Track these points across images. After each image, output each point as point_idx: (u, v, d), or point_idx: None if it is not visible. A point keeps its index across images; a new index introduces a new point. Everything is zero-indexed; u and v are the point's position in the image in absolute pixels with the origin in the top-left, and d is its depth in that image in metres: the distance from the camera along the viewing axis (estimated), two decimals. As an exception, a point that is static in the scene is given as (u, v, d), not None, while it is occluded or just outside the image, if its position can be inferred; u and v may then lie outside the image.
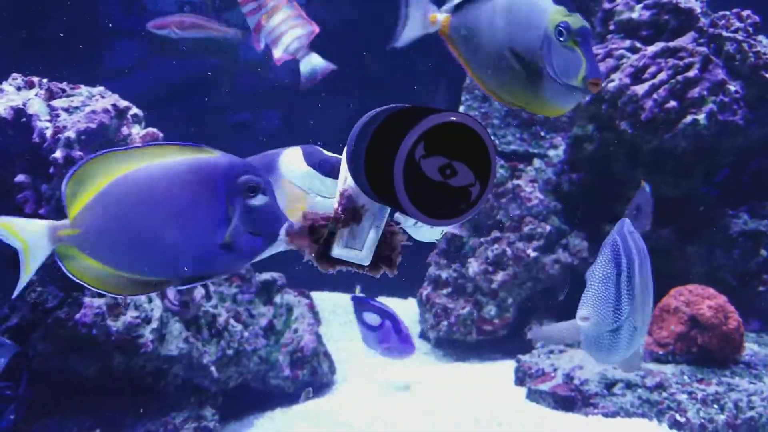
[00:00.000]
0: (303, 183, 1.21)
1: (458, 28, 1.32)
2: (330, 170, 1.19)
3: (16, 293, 1.05)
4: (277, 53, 1.93)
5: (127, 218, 1.02)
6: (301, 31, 1.95)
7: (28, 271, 1.02)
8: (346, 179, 0.76)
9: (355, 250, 0.75)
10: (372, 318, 2.62)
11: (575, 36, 1.17)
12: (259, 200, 1.03)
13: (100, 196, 1.02)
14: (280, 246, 1.11)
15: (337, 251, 0.75)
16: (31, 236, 1.01)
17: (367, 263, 0.76)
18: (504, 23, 1.24)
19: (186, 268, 1.04)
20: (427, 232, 1.22)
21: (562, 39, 1.17)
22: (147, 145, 1.04)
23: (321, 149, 1.22)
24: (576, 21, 1.18)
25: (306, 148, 1.23)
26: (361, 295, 2.81)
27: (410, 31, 1.35)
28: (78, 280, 1.03)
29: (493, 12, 1.26)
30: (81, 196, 1.02)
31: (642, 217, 2.37)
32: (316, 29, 1.96)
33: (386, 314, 2.62)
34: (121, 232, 1.02)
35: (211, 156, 1.03)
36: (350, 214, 0.74)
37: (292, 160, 1.21)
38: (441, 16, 1.33)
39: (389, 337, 2.58)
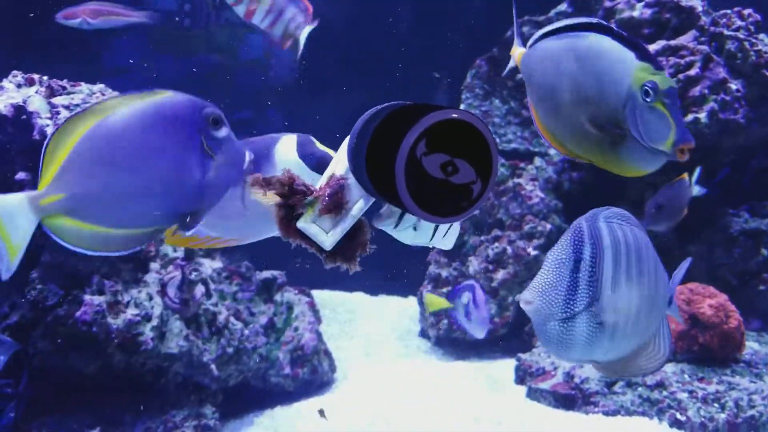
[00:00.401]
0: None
1: (527, 67, 1.23)
2: (315, 165, 1.17)
3: (4, 276, 0.97)
4: (279, 38, 1.90)
5: (109, 170, 0.99)
6: (296, 9, 1.92)
7: (13, 252, 0.97)
8: (338, 163, 0.75)
9: (322, 231, 0.73)
10: (466, 296, 2.53)
11: (663, 97, 1.07)
12: (224, 131, 1.06)
13: (74, 155, 0.99)
14: (273, 230, 1.11)
15: (303, 224, 0.73)
16: (10, 212, 0.96)
17: (327, 248, 0.74)
18: (577, 73, 1.13)
19: (175, 209, 1.04)
20: (409, 237, 1.19)
21: (648, 100, 1.07)
22: (99, 102, 1.01)
23: (314, 141, 1.20)
24: (664, 81, 1.08)
25: (300, 138, 1.21)
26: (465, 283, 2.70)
27: (510, 63, 1.29)
28: (75, 248, 1.00)
29: (563, 57, 1.15)
30: (53, 163, 0.99)
31: (662, 218, 2.25)
32: (309, 7, 1.94)
33: (471, 287, 2.52)
34: (105, 185, 0.99)
35: (171, 95, 1.03)
36: (333, 203, 0.73)
37: (285, 149, 1.20)
38: (517, 51, 1.25)
39: (470, 310, 2.48)
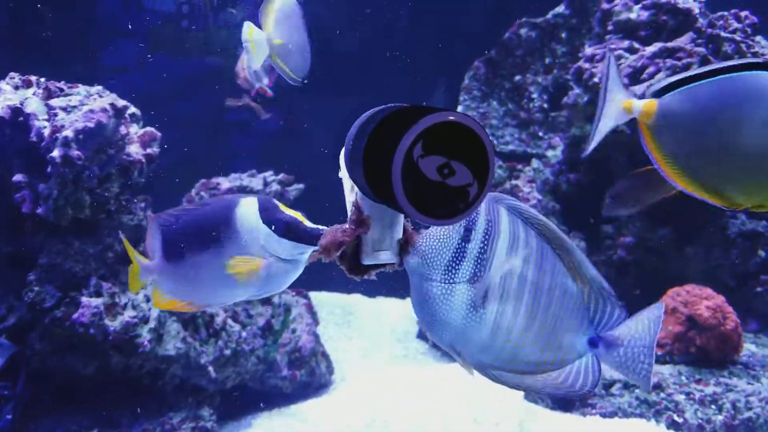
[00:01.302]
0: (260, 242, 1.19)
1: (672, 115, 1.12)
2: (284, 231, 1.17)
3: (254, 66, 1.92)
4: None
5: (300, 37, 1.86)
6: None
7: (257, 62, 1.80)
8: (352, 187, 0.76)
9: (384, 252, 0.77)
10: None
11: None
12: None
13: (275, 22, 1.78)
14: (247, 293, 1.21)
15: (369, 260, 0.77)
16: (258, 39, 1.75)
17: (396, 260, 0.79)
18: None
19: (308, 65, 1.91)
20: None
21: None
22: None
23: (277, 204, 1.20)
24: None
25: (262, 203, 1.20)
26: None
27: (605, 124, 1.17)
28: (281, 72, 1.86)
29: (747, 97, 1.07)
30: (268, 23, 1.79)
31: (618, 207, 2.28)
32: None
33: None
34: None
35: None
36: (358, 224, 0.75)
37: (248, 213, 1.19)
38: (640, 103, 1.14)
39: None
